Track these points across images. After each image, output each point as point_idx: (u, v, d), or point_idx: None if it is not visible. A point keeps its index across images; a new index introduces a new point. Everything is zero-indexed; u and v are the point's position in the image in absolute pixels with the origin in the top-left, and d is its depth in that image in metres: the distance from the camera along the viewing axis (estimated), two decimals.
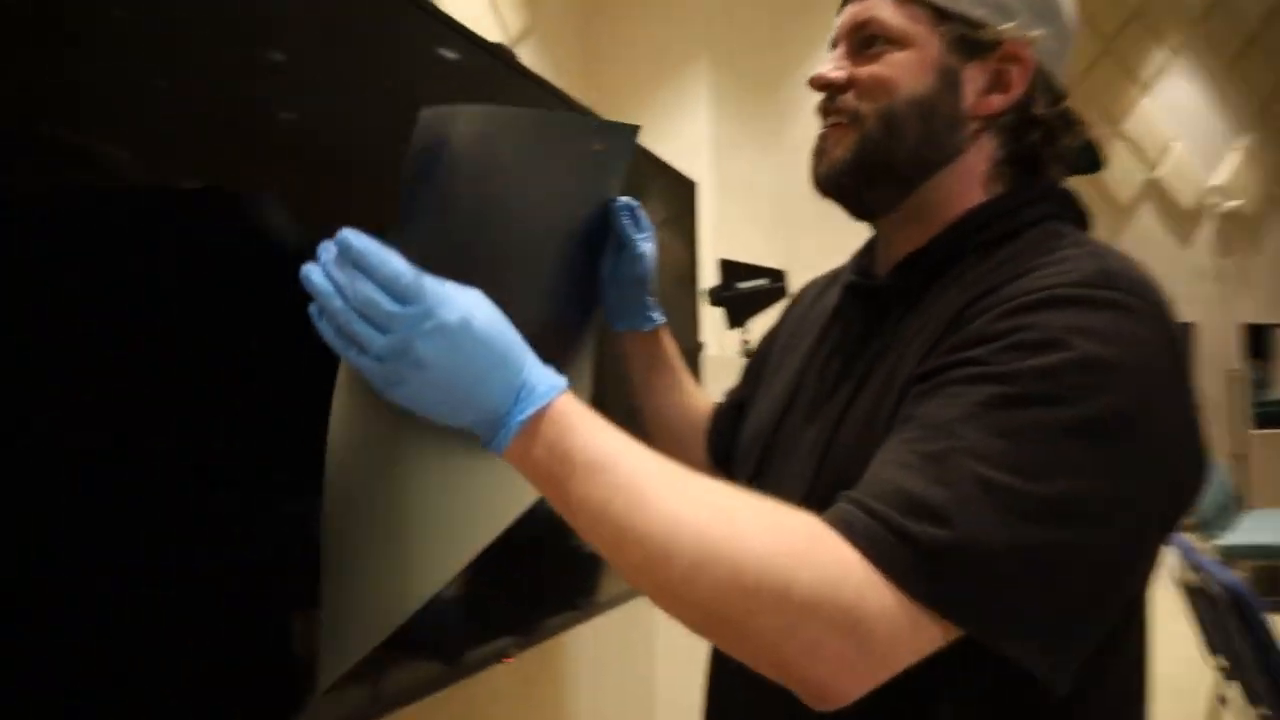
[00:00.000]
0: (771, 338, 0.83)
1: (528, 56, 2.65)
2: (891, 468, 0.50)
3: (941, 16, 0.63)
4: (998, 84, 0.63)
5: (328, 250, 0.49)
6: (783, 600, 0.46)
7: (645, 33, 3.30)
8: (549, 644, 1.42)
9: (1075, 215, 0.65)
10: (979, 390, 0.50)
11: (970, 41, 0.62)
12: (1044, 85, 0.64)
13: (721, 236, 2.77)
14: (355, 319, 0.49)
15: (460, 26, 0.97)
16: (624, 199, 0.81)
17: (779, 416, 0.70)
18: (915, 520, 0.47)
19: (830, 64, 0.67)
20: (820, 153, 0.67)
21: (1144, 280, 0.55)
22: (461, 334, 0.50)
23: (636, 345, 0.85)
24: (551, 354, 0.84)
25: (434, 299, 0.50)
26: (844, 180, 0.65)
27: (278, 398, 0.73)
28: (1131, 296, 0.53)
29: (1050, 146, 0.64)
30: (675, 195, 1.71)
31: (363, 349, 0.49)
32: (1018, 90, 0.63)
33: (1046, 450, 0.48)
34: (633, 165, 1.37)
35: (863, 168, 0.64)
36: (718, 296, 2.29)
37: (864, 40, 0.65)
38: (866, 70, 0.64)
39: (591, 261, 0.82)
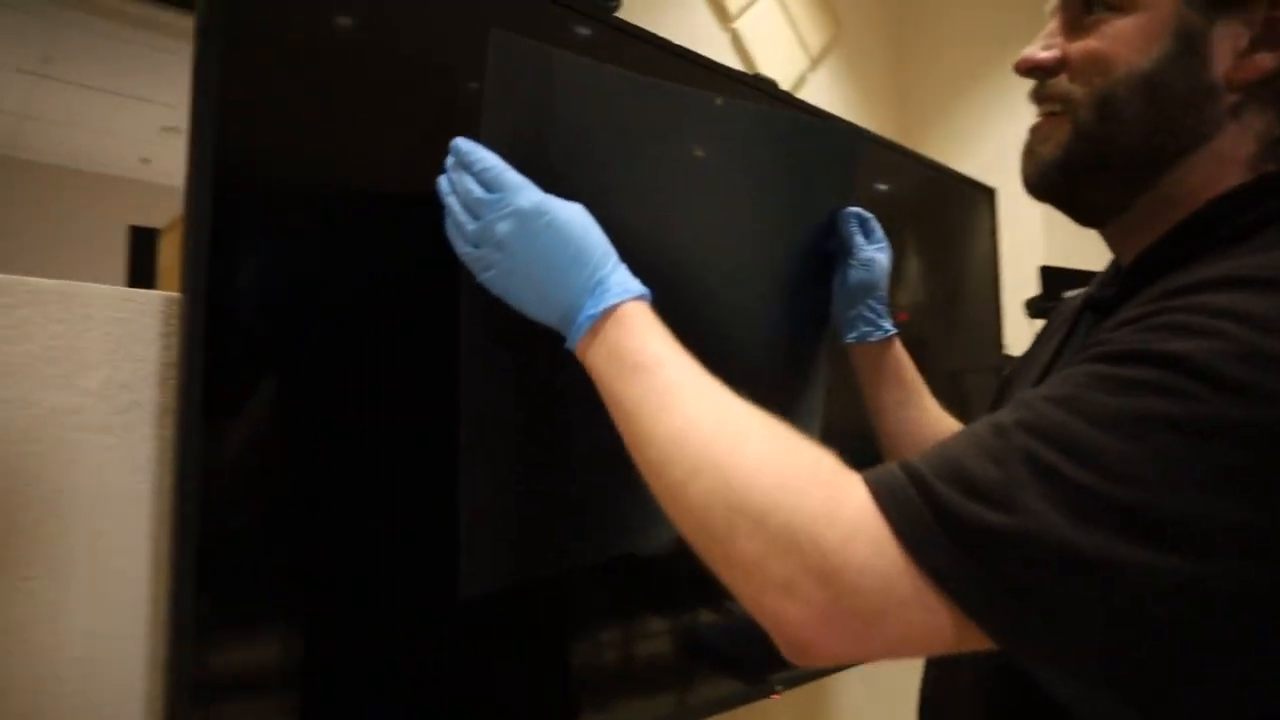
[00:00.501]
0: (1019, 360, 0.76)
1: (831, 72, 2.64)
2: (957, 437, 0.43)
3: None
4: (1269, 39, 0.49)
5: (451, 154, 0.57)
6: (760, 526, 0.42)
7: (955, 38, 3.12)
8: (817, 685, 1.42)
9: None
10: (1088, 369, 0.41)
11: None
12: None
13: (1031, 245, 2.53)
14: (458, 208, 0.56)
15: (708, 61, 1.02)
16: (854, 209, 0.80)
17: None
18: (948, 485, 0.40)
19: (1040, 41, 0.56)
20: (1029, 150, 0.58)
21: None
22: (535, 219, 0.54)
23: (867, 358, 0.83)
24: (779, 363, 0.84)
25: (514, 187, 0.55)
26: (1056, 182, 0.56)
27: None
28: None
29: None
30: (974, 204, 1.60)
31: (464, 237, 0.56)
32: None
33: (1142, 447, 0.37)
34: (931, 177, 1.32)
35: (1077, 165, 0.54)
36: (1038, 308, 2.08)
37: (1083, 6, 0.53)
38: (1079, 46, 0.53)
39: (821, 273, 0.82)
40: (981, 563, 0.38)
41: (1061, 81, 0.55)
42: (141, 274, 3.05)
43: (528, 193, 0.55)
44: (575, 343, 0.55)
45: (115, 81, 3.09)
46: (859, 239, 0.81)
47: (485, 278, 0.57)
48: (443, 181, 0.59)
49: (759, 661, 1.03)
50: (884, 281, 0.81)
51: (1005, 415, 0.42)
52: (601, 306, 0.53)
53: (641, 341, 0.52)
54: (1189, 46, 0.50)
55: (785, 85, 2.46)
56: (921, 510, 0.40)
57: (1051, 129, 0.55)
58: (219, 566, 0.59)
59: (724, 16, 3.01)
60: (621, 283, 0.55)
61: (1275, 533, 0.35)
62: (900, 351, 0.83)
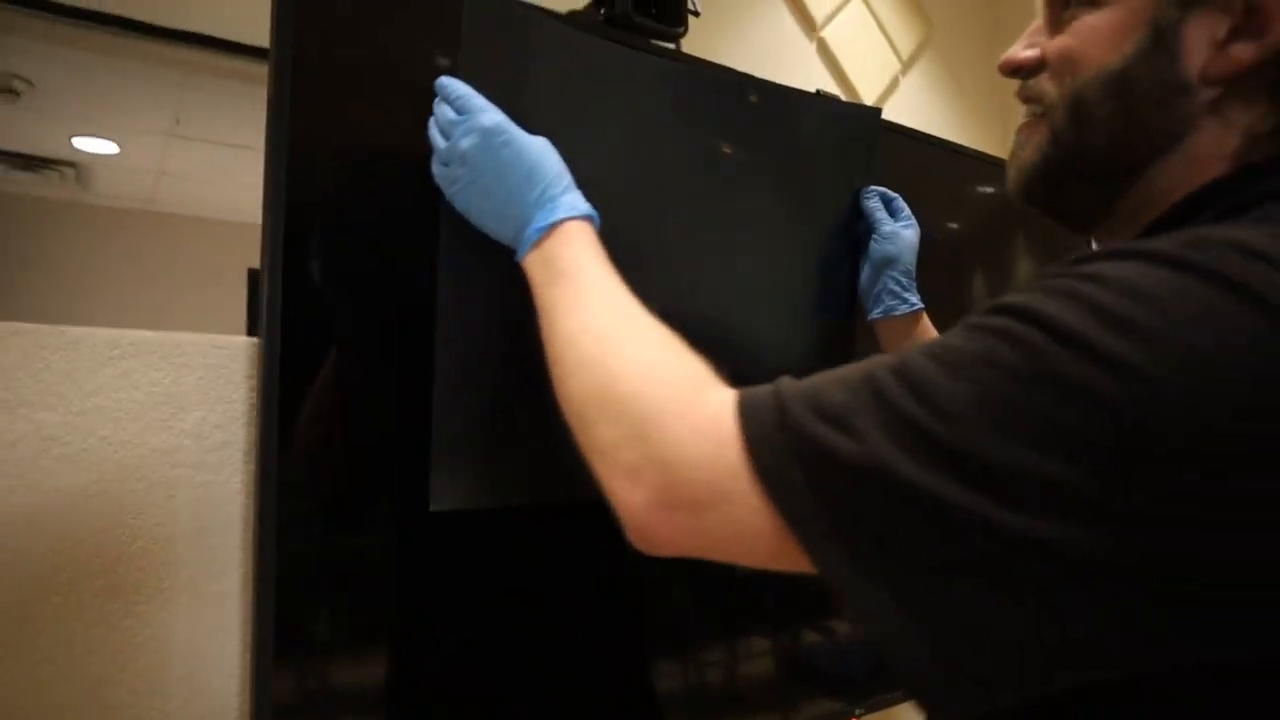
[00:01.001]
0: None
1: (924, 75, 2.59)
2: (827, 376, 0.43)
3: None
4: (1247, 28, 0.45)
5: (437, 90, 0.62)
6: (621, 414, 0.45)
7: None
8: (896, 710, 1.38)
9: None
10: (962, 321, 0.40)
11: None
12: None
13: None
14: (435, 133, 0.62)
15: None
16: (877, 187, 0.82)
17: None
18: (801, 403, 0.40)
19: (1024, 39, 0.54)
20: (1011, 155, 0.55)
21: (1273, 259, 0.35)
22: (495, 136, 0.59)
23: (893, 335, 0.82)
24: (806, 337, 0.85)
25: (479, 109, 0.60)
26: (1036, 189, 0.53)
27: None
28: (1223, 264, 0.35)
29: None
30: None
31: (438, 158, 0.61)
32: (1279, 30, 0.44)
33: (975, 389, 0.36)
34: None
35: (1055, 171, 0.52)
36: None
37: (1062, 1, 0.51)
38: (1055, 43, 0.51)
39: (849, 254, 0.84)
40: (806, 474, 0.39)
41: (1041, 81, 0.52)
42: (258, 313, 3.27)
43: (490, 114, 0.60)
44: (522, 256, 0.59)
45: (237, 135, 3.33)
46: (881, 214, 0.82)
47: (451, 192, 0.61)
48: (430, 120, 0.64)
49: (851, 681, 1.02)
50: (909, 256, 0.81)
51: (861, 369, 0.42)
52: (548, 221, 0.57)
53: (573, 253, 0.56)
54: (1160, 41, 0.46)
55: (877, 91, 2.42)
56: (768, 419, 0.41)
57: (1031, 132, 0.53)
58: (296, 591, 0.63)
59: (810, 25, 2.97)
60: (570, 202, 0.59)
61: (1088, 494, 0.34)
62: (928, 327, 0.82)
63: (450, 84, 0.62)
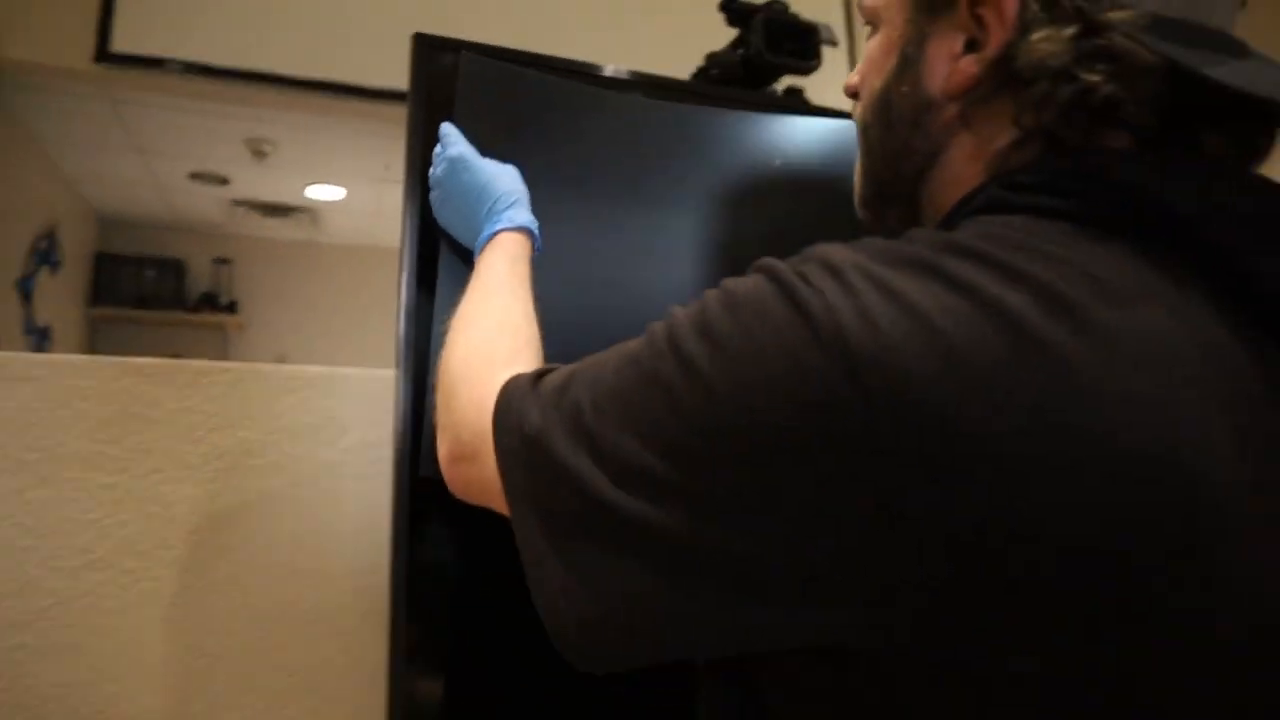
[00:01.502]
0: None
1: None
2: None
3: None
4: (976, 43, 0.43)
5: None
6: (444, 389, 0.57)
7: None
8: None
9: (1086, 204, 0.38)
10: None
11: None
12: (1047, 12, 0.40)
13: None
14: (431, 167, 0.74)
15: None
16: None
17: None
18: (534, 382, 0.47)
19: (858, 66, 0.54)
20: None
21: (851, 279, 0.34)
22: (458, 163, 0.71)
23: None
24: None
25: (451, 143, 0.72)
26: (862, 213, 0.53)
27: None
28: (807, 285, 0.35)
29: (1082, 96, 0.39)
30: None
31: (429, 180, 0.74)
32: (998, 38, 0.42)
33: (615, 381, 0.41)
34: None
35: (865, 197, 0.52)
36: None
37: (870, 28, 0.51)
38: (857, 69, 0.52)
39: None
40: (512, 446, 0.45)
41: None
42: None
43: (457, 147, 0.73)
44: (474, 261, 0.69)
45: None
46: None
47: (434, 209, 0.75)
48: None
49: None
50: None
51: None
52: (490, 232, 0.68)
53: (490, 257, 0.66)
54: (909, 58, 0.46)
55: None
56: (512, 397, 0.47)
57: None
58: (428, 587, 0.75)
59: None
60: (510, 217, 0.69)
61: (668, 481, 0.36)
62: None
63: (444, 126, 0.76)
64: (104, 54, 2.48)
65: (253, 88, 2.60)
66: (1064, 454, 0.30)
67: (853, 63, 3.05)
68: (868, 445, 0.32)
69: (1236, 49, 0.40)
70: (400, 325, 0.75)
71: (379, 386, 0.84)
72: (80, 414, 0.75)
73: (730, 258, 0.86)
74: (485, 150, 0.75)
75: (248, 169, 3.54)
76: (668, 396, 0.37)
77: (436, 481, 0.76)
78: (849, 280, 0.34)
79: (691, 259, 0.85)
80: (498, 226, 0.68)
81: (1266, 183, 0.39)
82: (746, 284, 0.38)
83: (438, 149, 0.75)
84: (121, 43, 2.51)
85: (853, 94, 0.53)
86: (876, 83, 0.48)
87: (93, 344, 4.10)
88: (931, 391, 0.31)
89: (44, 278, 3.46)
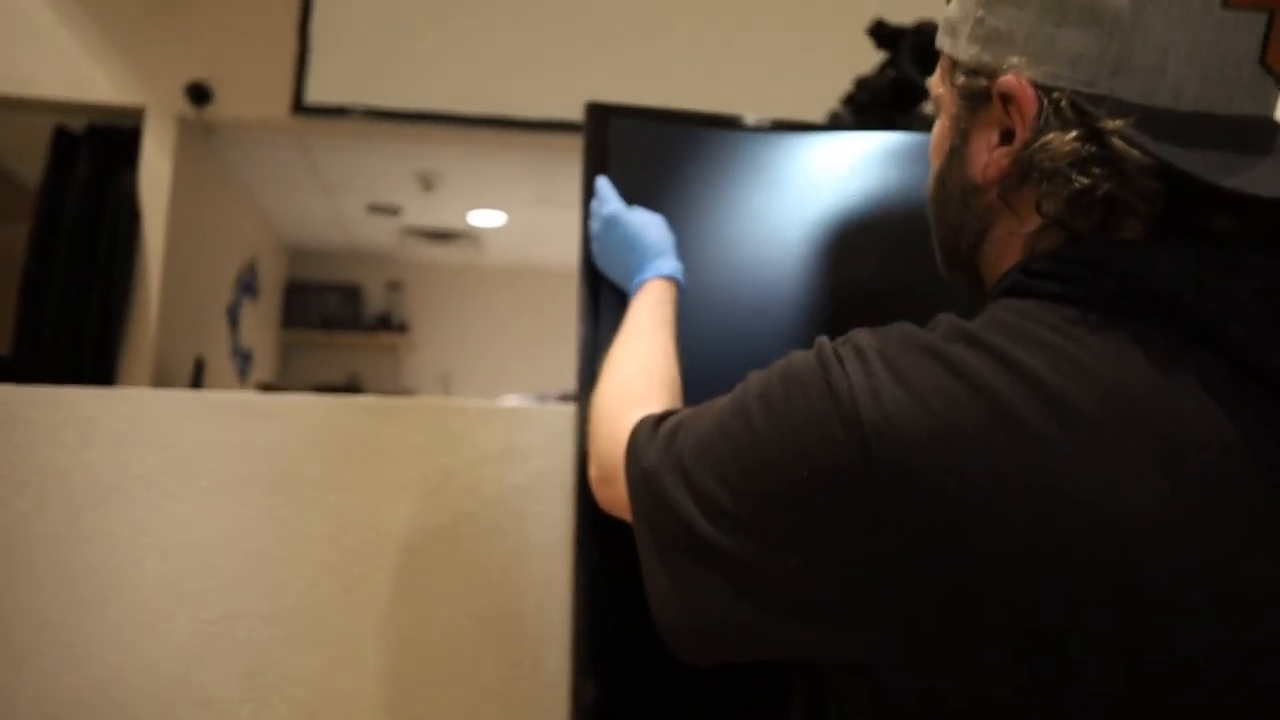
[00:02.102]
0: None
1: None
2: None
3: (952, 66, 0.51)
4: (1008, 137, 0.48)
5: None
6: (593, 424, 0.68)
7: None
8: None
9: (1080, 289, 0.42)
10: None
11: (972, 91, 0.49)
12: (1064, 114, 0.44)
13: None
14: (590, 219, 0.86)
15: None
16: None
17: None
18: (656, 425, 0.56)
19: None
20: None
21: (873, 363, 0.42)
22: (610, 221, 0.82)
23: None
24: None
25: (604, 201, 0.83)
26: (945, 276, 0.59)
27: None
28: (840, 366, 0.43)
29: (1081, 195, 0.43)
30: None
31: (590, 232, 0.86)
32: (1022, 137, 0.46)
33: (707, 431, 0.50)
34: None
35: (943, 264, 0.58)
36: None
37: None
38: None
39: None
40: (635, 475, 0.55)
41: None
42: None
43: (609, 205, 0.83)
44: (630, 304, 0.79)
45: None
46: None
47: (595, 258, 0.85)
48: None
49: None
50: None
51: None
52: (639, 279, 0.78)
53: (637, 304, 0.76)
54: (958, 147, 0.51)
55: None
56: (639, 437, 0.57)
57: None
58: (602, 597, 0.84)
59: None
60: (657, 266, 0.79)
61: (734, 514, 0.45)
62: None
63: (599, 182, 0.86)
64: (299, 106, 2.79)
65: (423, 125, 2.85)
66: (1029, 514, 0.36)
67: None
68: (874, 503, 0.39)
69: (1251, 138, 0.43)
70: (578, 365, 0.85)
71: (558, 419, 0.94)
72: (317, 444, 0.89)
73: (861, 282, 0.93)
74: (639, 199, 0.85)
75: (417, 199, 3.84)
76: (734, 447, 0.47)
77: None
78: (871, 365, 0.42)
79: (822, 283, 0.92)
80: (646, 275, 0.79)
81: (1269, 265, 0.42)
82: (801, 359, 0.47)
83: (594, 204, 0.85)
84: (314, 95, 2.82)
85: None
86: (936, 165, 0.55)
87: (284, 363, 4.55)
88: (922, 459, 0.38)
89: (246, 306, 3.88)
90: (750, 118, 0.97)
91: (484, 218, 4.17)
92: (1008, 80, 0.46)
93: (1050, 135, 0.44)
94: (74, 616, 0.84)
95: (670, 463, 0.51)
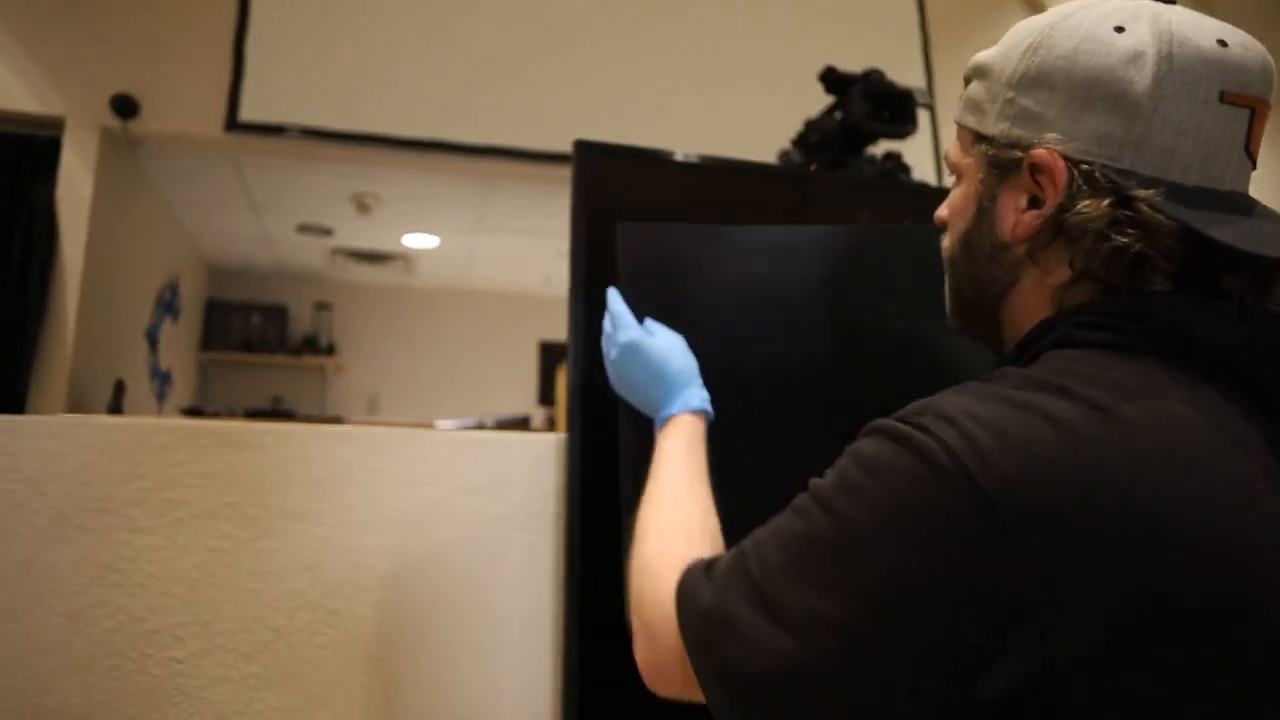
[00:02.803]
0: None
1: None
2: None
3: (978, 140, 0.58)
4: (1037, 199, 0.55)
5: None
6: (635, 597, 0.61)
7: None
8: None
9: (1127, 336, 0.49)
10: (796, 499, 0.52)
11: (1001, 162, 0.56)
12: (1093, 183, 0.51)
13: None
14: (603, 335, 0.81)
15: None
16: None
17: None
18: (704, 577, 0.53)
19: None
20: None
21: (965, 423, 0.44)
22: (629, 350, 0.78)
23: None
24: None
25: (621, 327, 0.79)
26: (954, 324, 0.65)
27: None
28: (922, 432, 0.45)
29: (1118, 252, 0.50)
30: None
31: (605, 355, 0.81)
32: (1052, 202, 0.53)
33: (782, 555, 0.48)
34: None
35: (957, 312, 0.64)
36: None
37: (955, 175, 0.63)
38: (941, 209, 0.64)
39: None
40: (690, 627, 0.51)
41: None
42: (547, 379, 3.76)
43: (627, 331, 0.79)
44: (655, 434, 0.76)
45: (525, 222, 3.88)
46: None
47: (611, 380, 0.81)
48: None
49: None
50: None
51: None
52: (666, 413, 0.75)
53: (670, 442, 0.72)
54: (985, 209, 0.58)
55: None
56: (687, 585, 0.53)
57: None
58: (593, 628, 0.85)
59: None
60: (685, 401, 0.75)
61: (842, 619, 0.44)
62: None
63: (611, 297, 0.82)
64: (233, 123, 2.71)
65: (362, 147, 2.81)
66: (1094, 507, 0.41)
67: (935, 124, 3.10)
68: (1008, 550, 0.41)
69: (1244, 207, 0.51)
70: (571, 400, 0.86)
71: (541, 449, 0.95)
72: (295, 475, 0.87)
73: (889, 363, 0.91)
74: (652, 304, 0.81)
75: (351, 220, 3.77)
76: (829, 550, 0.46)
77: (600, 532, 0.86)
78: (961, 425, 0.44)
79: (845, 366, 0.91)
80: (673, 410, 0.75)
81: (1271, 314, 0.51)
82: (871, 446, 0.47)
83: (607, 323, 0.81)
84: (248, 112, 2.75)
85: (942, 225, 0.65)
86: (961, 225, 0.60)
87: (204, 385, 4.37)
88: (1047, 497, 0.41)
89: (167, 326, 3.73)
90: (690, 156, 1.00)
91: (418, 240, 4.13)
92: (1040, 153, 0.53)
93: (1085, 201, 0.51)
94: (30, 659, 0.80)
95: (741, 594, 0.48)
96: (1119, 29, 0.52)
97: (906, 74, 1.92)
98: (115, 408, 2.84)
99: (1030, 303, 0.57)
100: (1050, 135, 0.53)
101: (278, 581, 0.86)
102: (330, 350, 4.61)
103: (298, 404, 4.50)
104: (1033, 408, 0.44)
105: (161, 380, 3.69)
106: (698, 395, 0.77)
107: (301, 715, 0.84)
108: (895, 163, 1.56)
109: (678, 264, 0.87)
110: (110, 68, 2.67)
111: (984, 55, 0.59)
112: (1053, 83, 0.53)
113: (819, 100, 1.73)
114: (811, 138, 1.60)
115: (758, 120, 2.31)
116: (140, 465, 0.84)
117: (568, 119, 2.86)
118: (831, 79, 1.57)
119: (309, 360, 4.54)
